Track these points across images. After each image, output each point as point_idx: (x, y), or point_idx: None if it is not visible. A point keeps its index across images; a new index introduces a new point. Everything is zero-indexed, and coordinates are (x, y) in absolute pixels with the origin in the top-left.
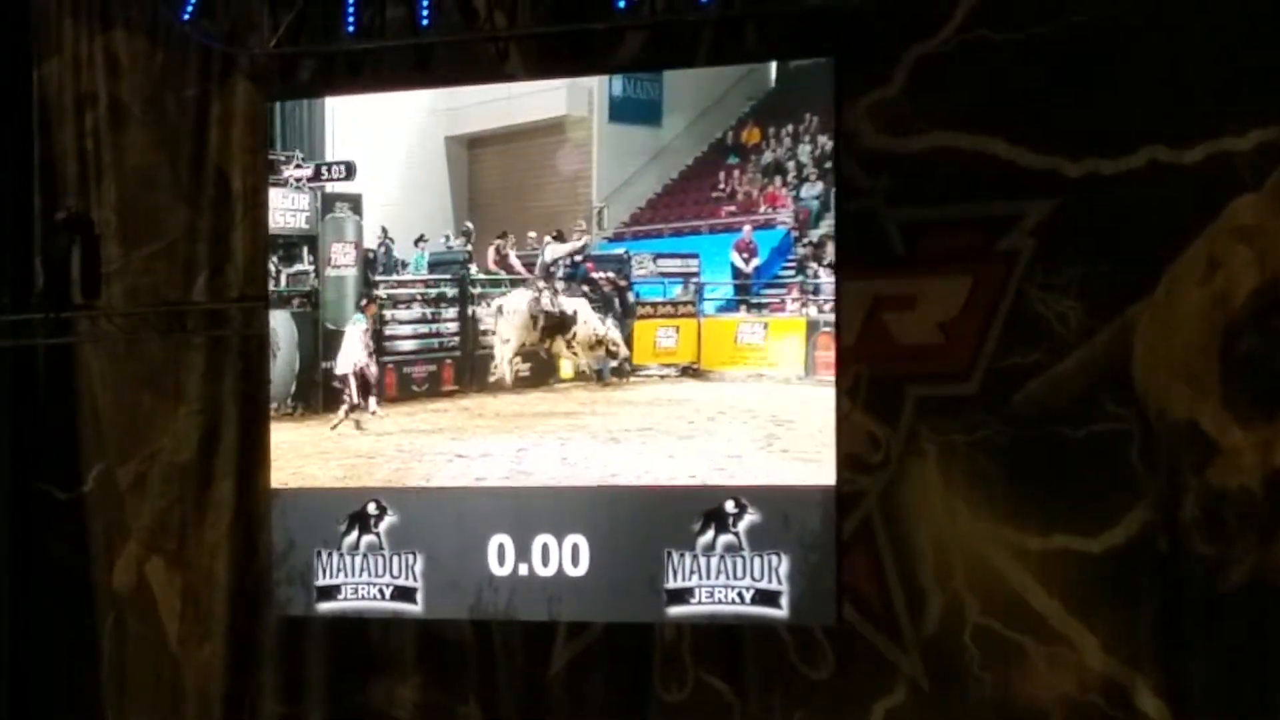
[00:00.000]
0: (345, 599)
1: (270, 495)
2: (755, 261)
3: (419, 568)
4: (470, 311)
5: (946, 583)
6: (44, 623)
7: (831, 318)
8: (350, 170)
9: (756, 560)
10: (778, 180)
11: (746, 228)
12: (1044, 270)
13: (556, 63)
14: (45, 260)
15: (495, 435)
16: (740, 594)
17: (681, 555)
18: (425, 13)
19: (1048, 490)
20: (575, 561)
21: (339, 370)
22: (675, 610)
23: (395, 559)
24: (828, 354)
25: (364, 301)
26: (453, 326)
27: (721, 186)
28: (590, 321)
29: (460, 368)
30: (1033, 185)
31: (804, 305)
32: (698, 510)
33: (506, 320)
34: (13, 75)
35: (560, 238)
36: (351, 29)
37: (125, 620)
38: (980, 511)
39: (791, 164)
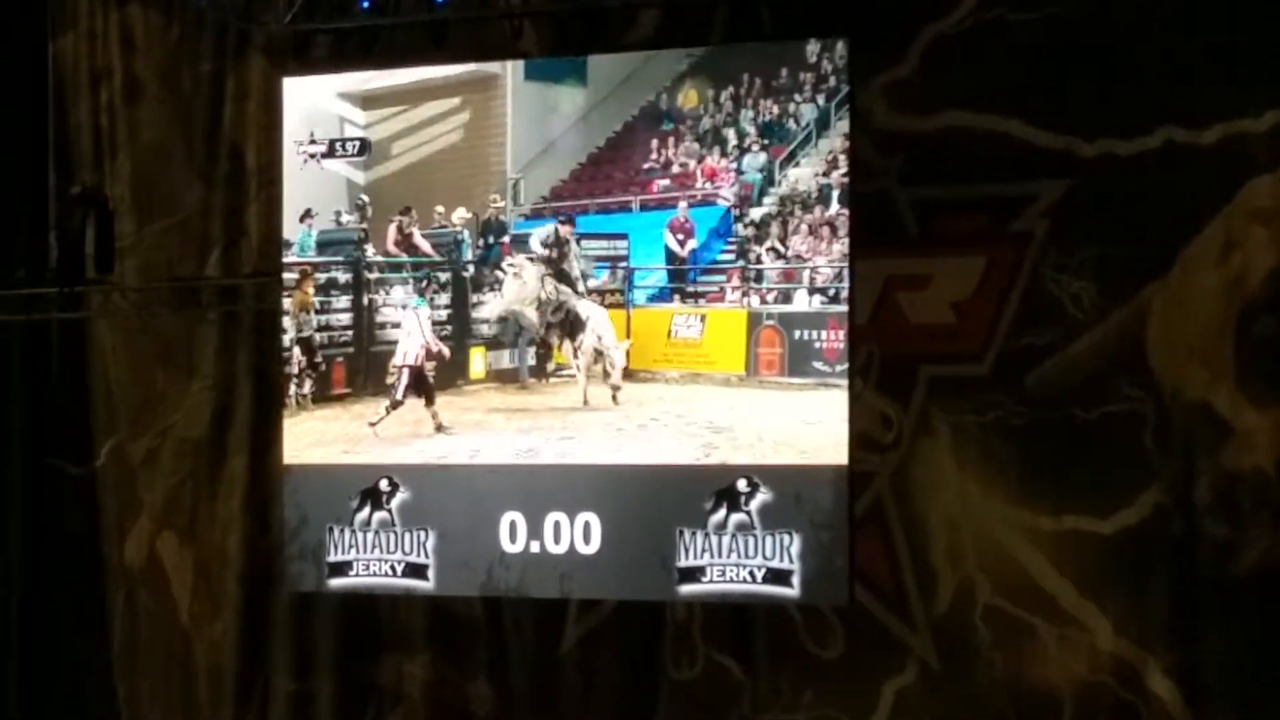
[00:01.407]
0: (357, 575)
1: (282, 471)
2: (691, 244)
3: (431, 544)
4: (366, 300)
5: (958, 563)
6: (55, 598)
7: (777, 309)
8: (364, 146)
9: (768, 539)
10: (717, 151)
11: (682, 205)
12: (1058, 251)
13: (570, 41)
14: (59, 235)
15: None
16: (751, 573)
17: (693, 534)
18: None
19: (1060, 471)
20: (587, 539)
21: (395, 361)
22: (686, 589)
23: (407, 535)
24: (771, 351)
25: (424, 283)
26: (345, 319)
27: (654, 157)
28: (602, 334)
29: (353, 367)
30: (1047, 165)
31: (745, 295)
32: (710, 489)
33: (512, 284)
34: (28, 50)
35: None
36: (366, 5)
37: (137, 596)
38: (992, 492)
39: (732, 132)
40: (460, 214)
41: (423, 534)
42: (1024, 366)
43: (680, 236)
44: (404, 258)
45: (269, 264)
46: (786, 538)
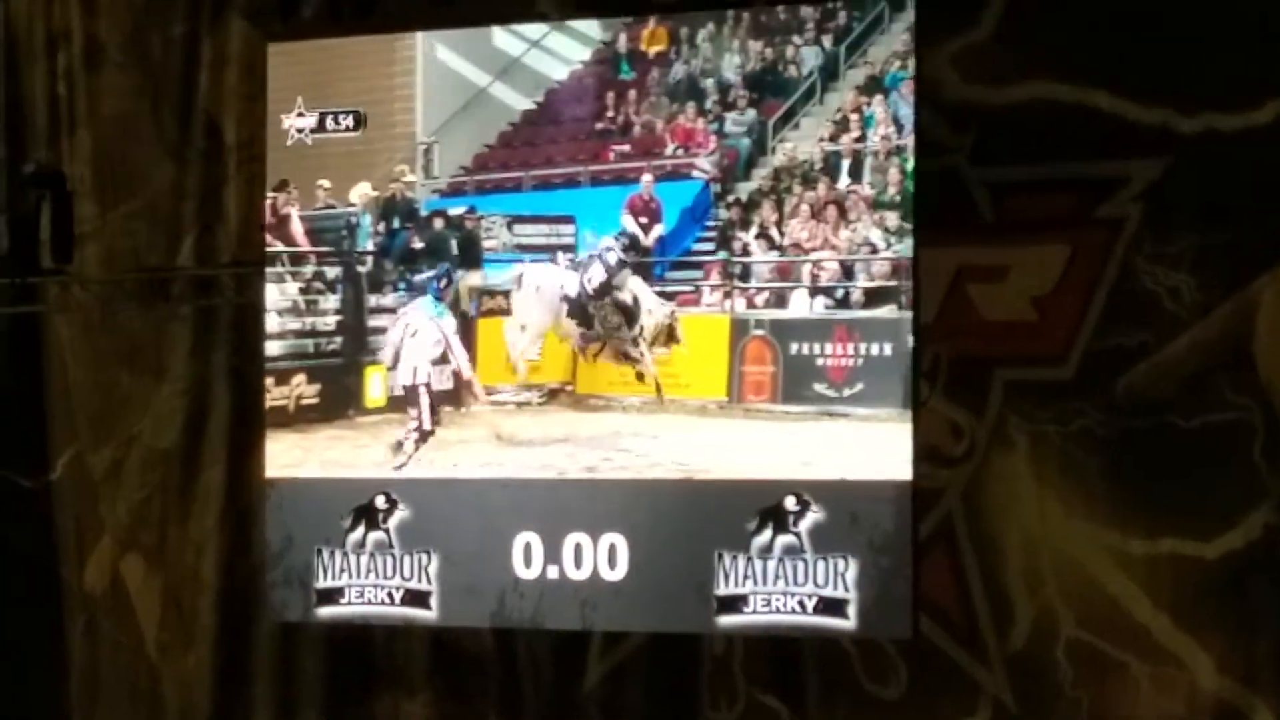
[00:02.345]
0: (349, 603)
1: (264, 486)
2: (658, 229)
3: (433, 569)
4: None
5: (1037, 591)
6: (7, 626)
7: (769, 315)
8: (359, 120)
9: (820, 564)
10: (691, 108)
11: (646, 178)
12: (1153, 239)
13: (594, 2)
14: (10, 220)
15: None
16: (801, 602)
17: (734, 558)
18: None
19: (1154, 488)
20: (612, 563)
21: (403, 379)
22: (726, 620)
23: (406, 559)
24: (760, 370)
25: (442, 282)
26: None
27: (609, 115)
28: (653, 306)
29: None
30: (1140, 143)
31: (728, 296)
32: (753, 507)
33: (525, 296)
34: None
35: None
36: None
37: (98, 624)
38: (1076, 510)
39: (711, 83)
40: (361, 191)
41: (424, 557)
42: (1113, 370)
43: (643, 220)
44: (278, 247)
45: (250, 252)
46: (841, 563)
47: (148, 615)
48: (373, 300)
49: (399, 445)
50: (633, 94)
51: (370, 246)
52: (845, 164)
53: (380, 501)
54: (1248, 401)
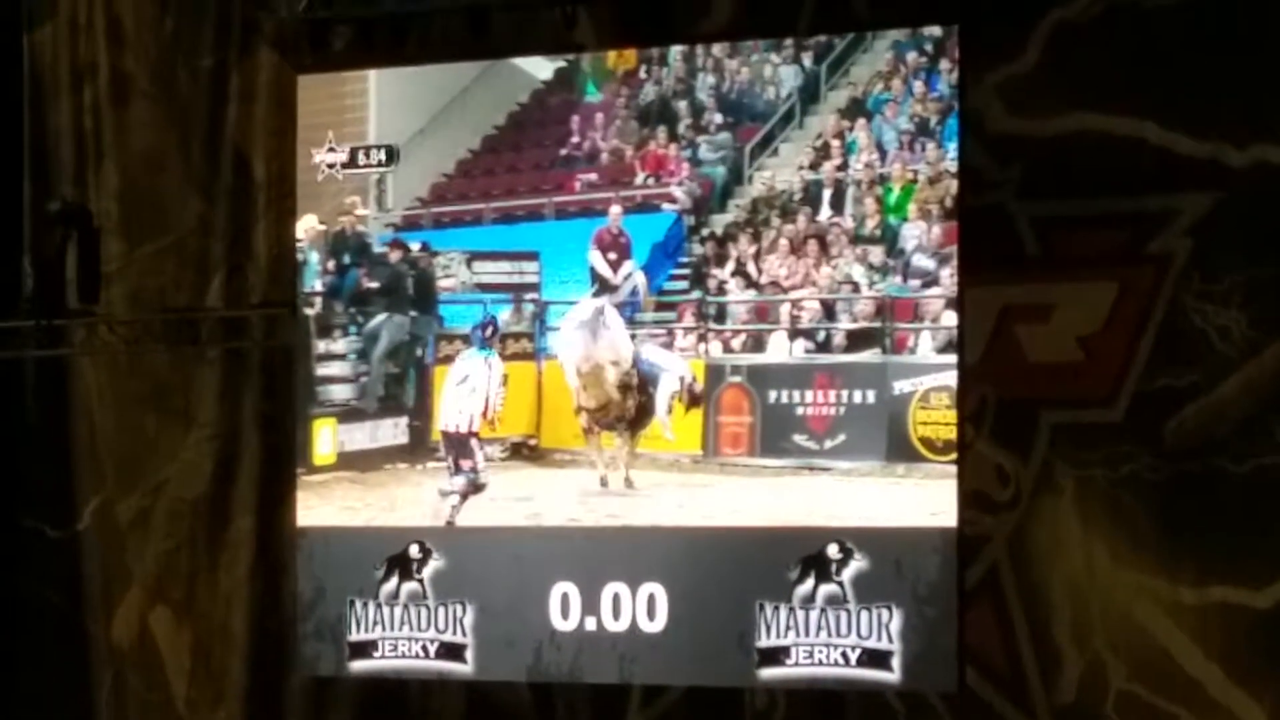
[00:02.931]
0: (382, 656)
1: (296, 535)
2: (628, 266)
3: (469, 621)
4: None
5: (1086, 642)
6: (32, 680)
7: (746, 360)
8: (392, 155)
9: (864, 614)
10: (662, 132)
11: (614, 210)
12: (1202, 276)
13: (633, 31)
14: (36, 259)
15: None
16: (844, 654)
17: (776, 608)
18: None
19: (1205, 534)
20: (652, 614)
21: (446, 425)
22: (768, 672)
23: (441, 610)
24: (737, 421)
25: (487, 330)
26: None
27: (574, 140)
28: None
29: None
30: (1190, 176)
31: (702, 340)
32: (795, 555)
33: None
34: (0, 43)
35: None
36: None
37: (126, 679)
38: (1126, 558)
39: (685, 105)
40: (307, 225)
41: (459, 608)
42: (1163, 412)
43: (612, 255)
44: None
45: (280, 292)
46: (885, 613)
47: (177, 670)
48: (321, 346)
49: (446, 495)
50: (599, 117)
51: (318, 287)
52: (826, 194)
53: (414, 551)
54: None
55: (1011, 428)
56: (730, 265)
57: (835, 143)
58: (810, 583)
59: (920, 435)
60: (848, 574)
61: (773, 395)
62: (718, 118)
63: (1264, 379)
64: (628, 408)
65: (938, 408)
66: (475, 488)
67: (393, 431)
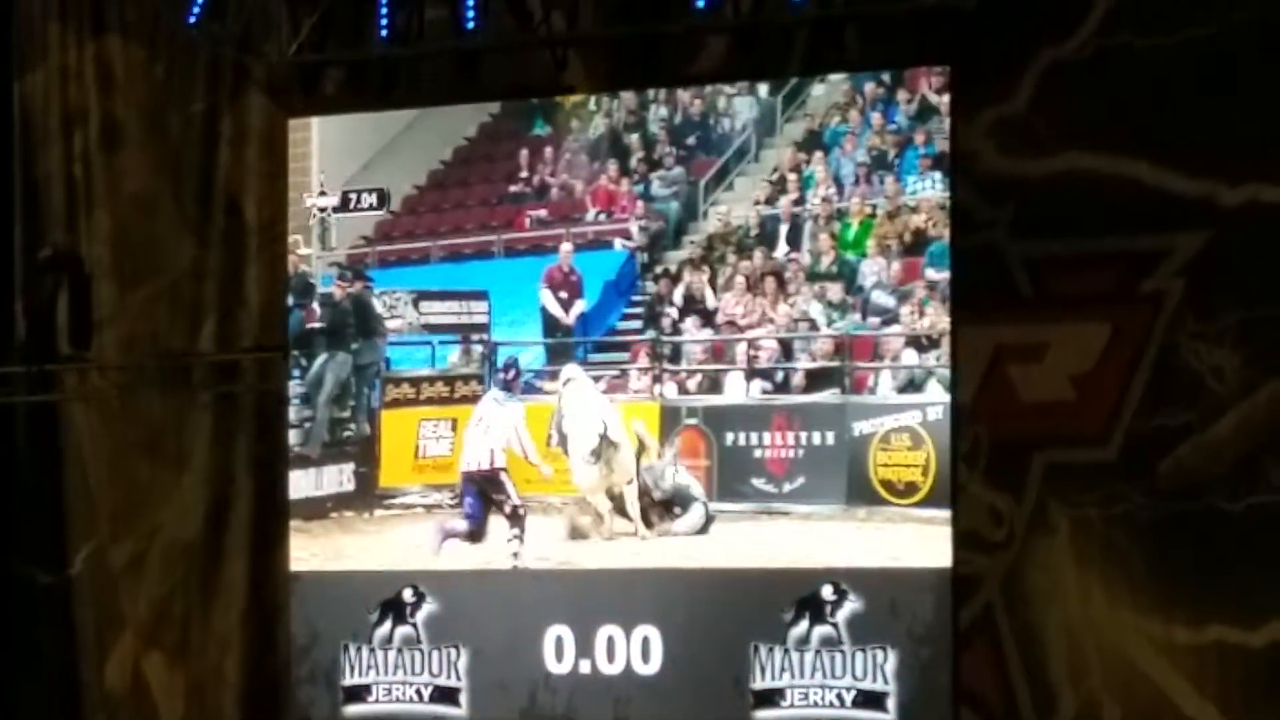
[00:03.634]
0: (377, 701)
1: (289, 580)
2: (579, 306)
3: (463, 664)
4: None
5: (1080, 682)
6: None
7: (701, 402)
8: (383, 198)
9: (859, 656)
10: (613, 166)
11: (565, 247)
12: (1195, 315)
13: (624, 72)
14: (27, 304)
15: None
16: (840, 695)
17: (770, 650)
18: (471, 14)
19: (1200, 574)
20: (646, 657)
21: (470, 465)
22: (763, 715)
23: (435, 654)
24: (693, 465)
25: (510, 374)
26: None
27: (523, 175)
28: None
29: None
30: (1183, 215)
31: (656, 381)
32: (789, 597)
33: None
34: None
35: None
36: (385, 33)
37: None
38: (1119, 598)
39: (636, 138)
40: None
41: (454, 652)
42: (1156, 451)
43: (563, 294)
44: None
45: (272, 337)
46: (880, 654)
47: (170, 715)
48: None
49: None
50: (548, 151)
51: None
52: (783, 229)
53: (408, 595)
54: None
55: (1005, 467)
56: (685, 304)
57: (792, 176)
58: (805, 624)
59: (881, 478)
60: (842, 615)
61: (730, 437)
62: (670, 151)
63: (1258, 419)
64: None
65: (898, 449)
66: (519, 514)
67: (339, 478)
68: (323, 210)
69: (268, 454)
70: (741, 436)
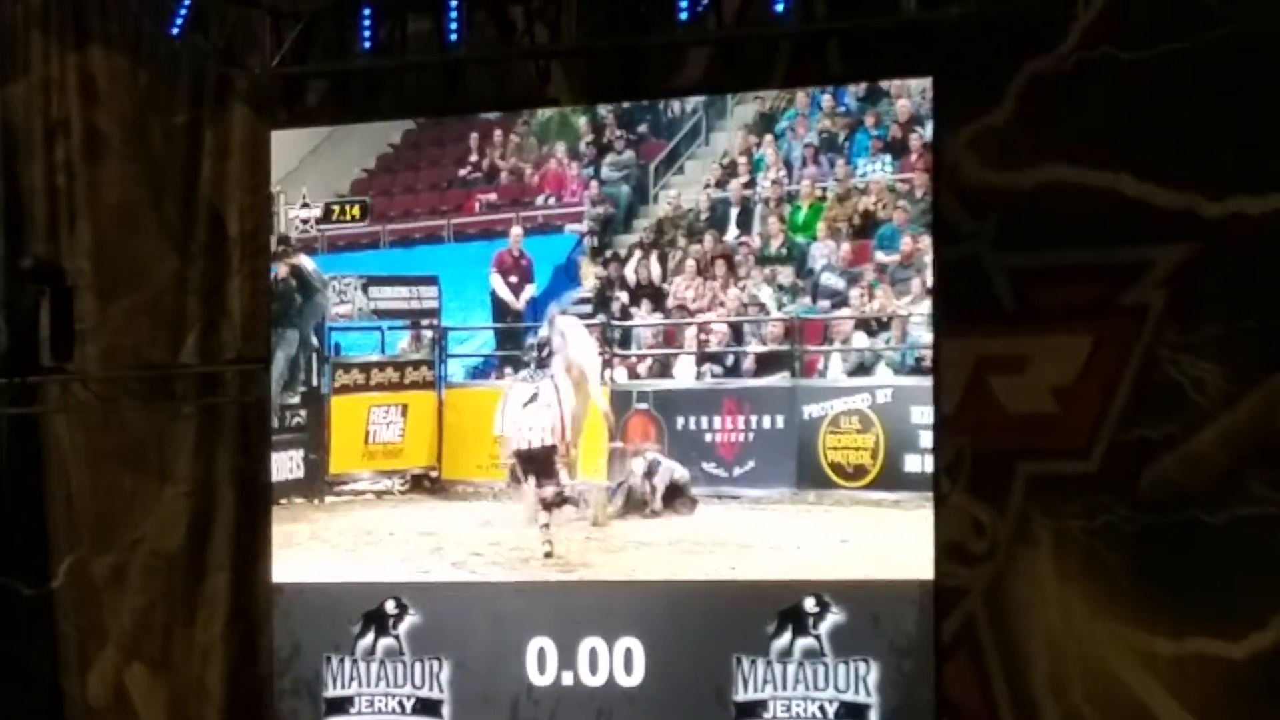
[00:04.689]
0: (359, 713)
1: (272, 591)
2: (529, 290)
3: (445, 676)
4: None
5: (1062, 694)
6: None
7: (651, 386)
8: (365, 210)
9: (841, 668)
10: (562, 149)
11: (515, 231)
12: (1178, 327)
13: (607, 85)
14: (9, 316)
15: None
16: (822, 707)
17: (753, 662)
18: (454, 26)
19: (1181, 586)
20: (629, 669)
21: (519, 444)
22: None
23: (418, 666)
24: (644, 451)
25: (544, 350)
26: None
27: (473, 159)
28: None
29: None
30: (1165, 228)
31: (608, 364)
32: (772, 609)
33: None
34: None
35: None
36: (368, 45)
37: None
38: (1102, 610)
39: (585, 121)
40: None
41: (436, 664)
42: (1138, 463)
43: (513, 279)
44: None
45: (255, 348)
46: (863, 666)
47: None
48: None
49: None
50: (498, 134)
51: None
52: (734, 213)
53: (391, 606)
54: (1276, 495)
55: (987, 479)
56: (635, 287)
57: (742, 160)
58: (788, 636)
59: (831, 461)
60: (825, 627)
61: (680, 422)
62: (620, 134)
63: (1239, 430)
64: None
65: (848, 432)
66: (561, 500)
67: (289, 464)
68: (305, 222)
69: (250, 466)
70: (692, 421)
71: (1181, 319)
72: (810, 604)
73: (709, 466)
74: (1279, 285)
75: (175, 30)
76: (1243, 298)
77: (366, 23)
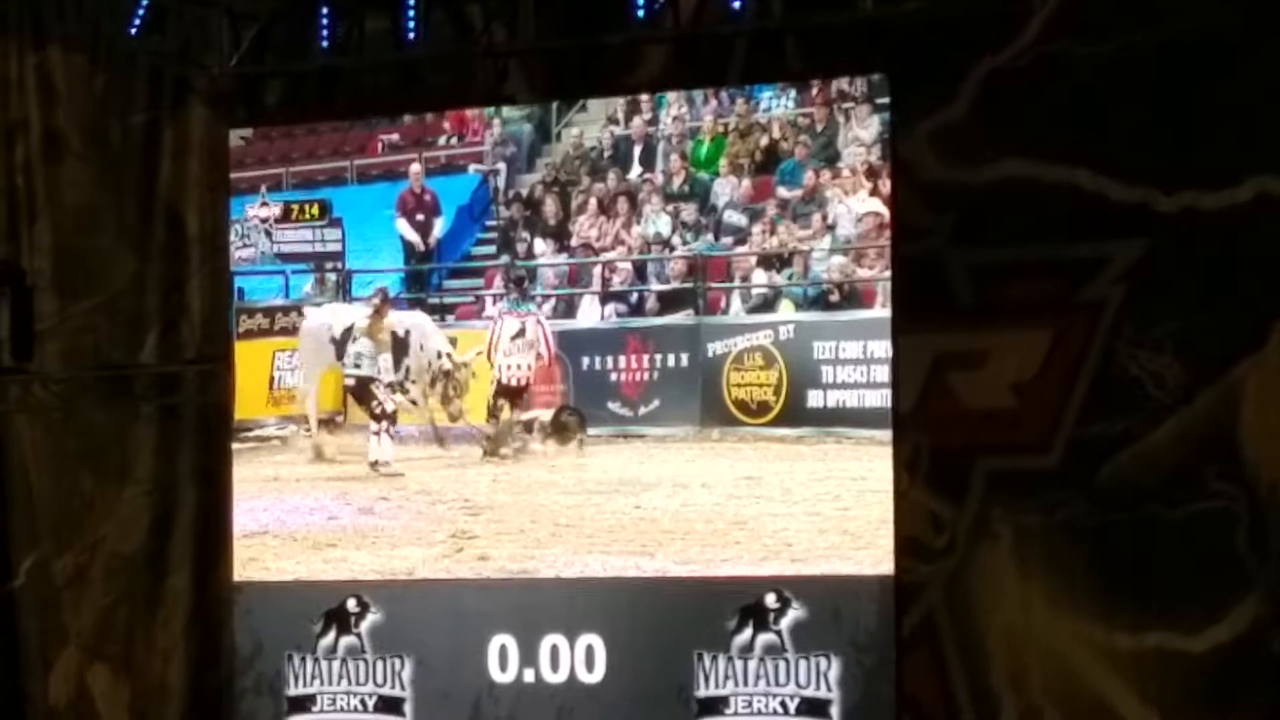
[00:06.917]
0: (321, 711)
1: (232, 590)
2: (438, 225)
3: (407, 674)
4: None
5: (1022, 688)
6: None
7: (556, 326)
8: (324, 209)
9: (802, 663)
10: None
11: (415, 168)
12: (1135, 323)
13: (564, 83)
14: None
15: None
16: (783, 703)
17: (714, 658)
18: (411, 25)
19: (1139, 580)
20: (590, 666)
21: (506, 378)
22: None
23: (379, 664)
24: (548, 390)
25: (522, 284)
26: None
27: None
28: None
29: None
30: (1121, 223)
31: (518, 303)
32: (733, 605)
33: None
34: None
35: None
36: (325, 44)
37: None
38: (1061, 605)
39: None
40: None
41: (398, 662)
42: (1097, 458)
43: (420, 216)
44: None
45: (215, 348)
46: (823, 661)
47: None
48: None
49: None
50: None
51: None
52: (637, 150)
53: (352, 605)
54: (1233, 490)
55: (946, 475)
56: (539, 228)
57: (645, 97)
58: (748, 632)
59: (735, 398)
60: (786, 623)
61: (585, 361)
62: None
63: (1197, 426)
64: None
65: (751, 369)
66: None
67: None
68: (264, 221)
69: (210, 465)
70: (597, 360)
71: (1139, 314)
72: (771, 600)
73: (614, 406)
74: (1234, 280)
75: (133, 31)
76: (1200, 293)
77: (324, 22)
